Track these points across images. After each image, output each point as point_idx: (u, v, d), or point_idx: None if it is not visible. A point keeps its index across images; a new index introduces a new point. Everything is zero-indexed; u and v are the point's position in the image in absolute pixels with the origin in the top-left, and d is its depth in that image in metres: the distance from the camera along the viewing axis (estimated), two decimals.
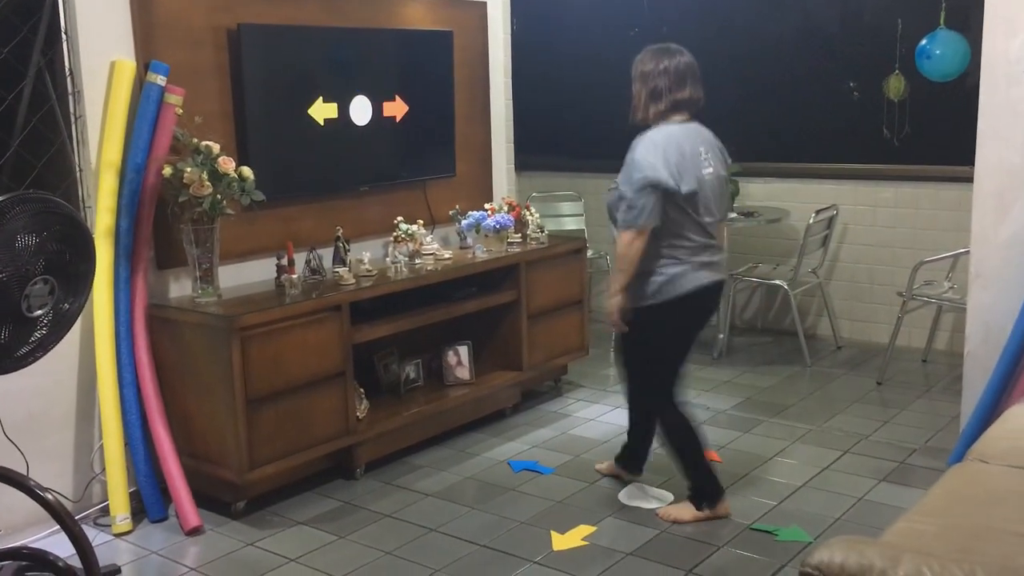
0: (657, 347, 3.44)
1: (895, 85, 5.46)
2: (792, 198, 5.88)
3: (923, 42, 5.03)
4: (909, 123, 5.51)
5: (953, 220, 5.36)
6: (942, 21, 5.02)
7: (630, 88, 3.39)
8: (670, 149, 3.20)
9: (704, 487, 3.48)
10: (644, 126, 3.34)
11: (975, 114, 3.69)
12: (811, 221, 5.28)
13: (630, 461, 3.80)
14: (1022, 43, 3.53)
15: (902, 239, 5.64)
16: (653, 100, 3.30)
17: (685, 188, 3.19)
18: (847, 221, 5.77)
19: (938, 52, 4.97)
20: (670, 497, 3.64)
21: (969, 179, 3.80)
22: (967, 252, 3.92)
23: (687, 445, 3.46)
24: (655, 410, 3.53)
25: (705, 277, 3.32)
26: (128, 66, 3.52)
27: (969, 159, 3.77)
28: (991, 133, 3.65)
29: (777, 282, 5.49)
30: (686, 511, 3.48)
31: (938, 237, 5.45)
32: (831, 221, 5.56)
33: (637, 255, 3.23)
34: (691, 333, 3.46)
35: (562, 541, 3.36)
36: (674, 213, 3.23)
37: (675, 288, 3.29)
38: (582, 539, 3.38)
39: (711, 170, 3.30)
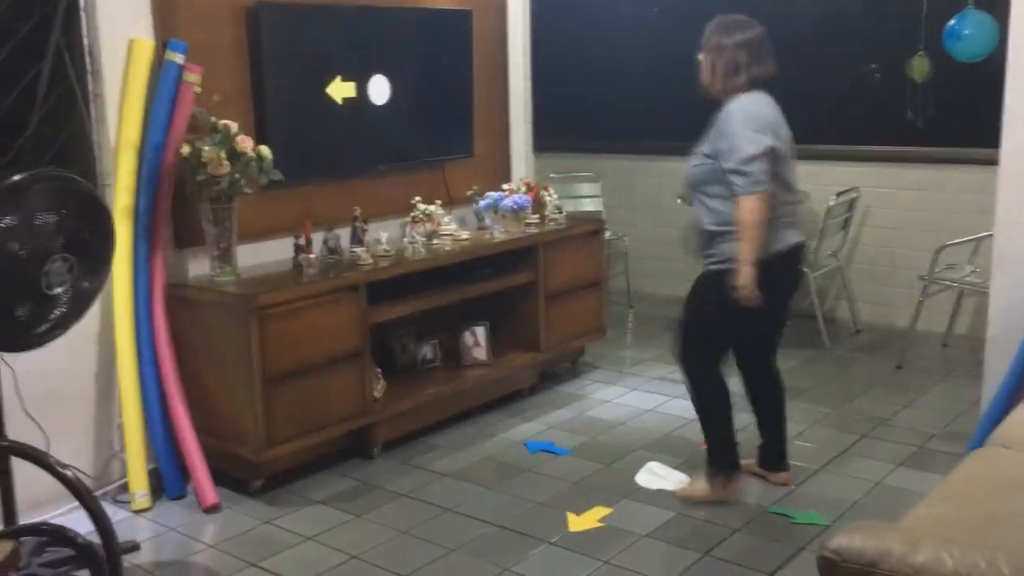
0: (731, 312, 3.26)
1: (919, 66, 5.38)
2: (813, 180, 5.80)
3: (952, 22, 4.96)
4: (933, 104, 5.43)
5: (976, 203, 5.29)
6: (971, 1, 4.94)
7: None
8: (767, 113, 3.27)
9: (721, 458, 3.46)
10: (714, 98, 3.32)
11: (1000, 95, 3.63)
12: (831, 203, 5.23)
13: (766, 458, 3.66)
14: None
15: (924, 222, 5.58)
16: (731, 74, 3.28)
17: (780, 147, 3.25)
18: (868, 204, 5.71)
19: (967, 32, 4.89)
20: (686, 479, 3.63)
21: (994, 162, 3.74)
22: (990, 236, 3.87)
23: (719, 416, 3.44)
24: (696, 376, 3.44)
25: (792, 236, 3.33)
26: (147, 45, 3.52)
27: (994, 141, 3.71)
28: (1018, 114, 3.59)
29: None
30: (699, 489, 3.49)
31: (961, 220, 5.38)
32: (852, 204, 5.51)
33: (764, 219, 3.19)
34: (777, 296, 3.33)
35: (578, 522, 3.37)
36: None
37: (768, 247, 3.23)
38: (598, 520, 3.38)
39: (787, 131, 3.36)
